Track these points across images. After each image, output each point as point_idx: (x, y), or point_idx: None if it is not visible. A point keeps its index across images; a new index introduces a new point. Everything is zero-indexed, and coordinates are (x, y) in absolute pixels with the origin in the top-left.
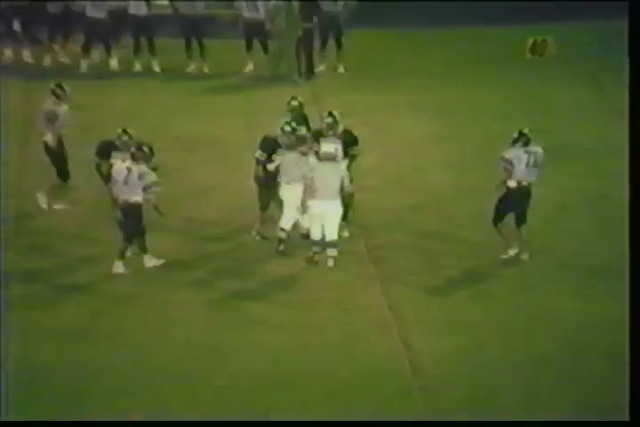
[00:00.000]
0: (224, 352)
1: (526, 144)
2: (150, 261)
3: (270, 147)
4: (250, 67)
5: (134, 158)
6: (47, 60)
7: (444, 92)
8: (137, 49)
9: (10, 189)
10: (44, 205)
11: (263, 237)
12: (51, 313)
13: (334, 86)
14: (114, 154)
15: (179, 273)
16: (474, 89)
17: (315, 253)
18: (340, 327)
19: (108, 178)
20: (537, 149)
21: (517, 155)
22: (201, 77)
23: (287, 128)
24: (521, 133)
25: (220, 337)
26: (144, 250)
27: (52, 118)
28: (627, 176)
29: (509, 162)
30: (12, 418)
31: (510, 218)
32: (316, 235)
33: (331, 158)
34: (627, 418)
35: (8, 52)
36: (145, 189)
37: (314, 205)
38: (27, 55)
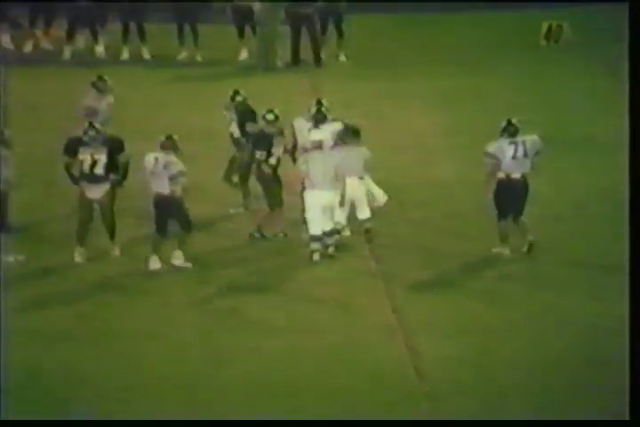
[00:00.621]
0: (219, 356)
1: (512, 135)
2: (178, 260)
3: (266, 143)
4: (244, 54)
5: (162, 148)
6: (28, 47)
7: (451, 81)
8: (125, 35)
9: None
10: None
11: (263, 236)
12: (38, 316)
13: (335, 75)
14: (81, 150)
15: (171, 274)
16: (483, 78)
17: (314, 250)
18: (340, 330)
19: (75, 176)
20: (525, 138)
21: (500, 147)
22: (193, 65)
23: (270, 116)
24: (509, 123)
25: (214, 340)
26: (182, 245)
27: (91, 114)
28: (627, 172)
29: (493, 156)
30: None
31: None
32: (315, 229)
33: (318, 147)
34: (627, 418)
35: None
36: (171, 179)
37: (311, 195)
38: (6, 41)
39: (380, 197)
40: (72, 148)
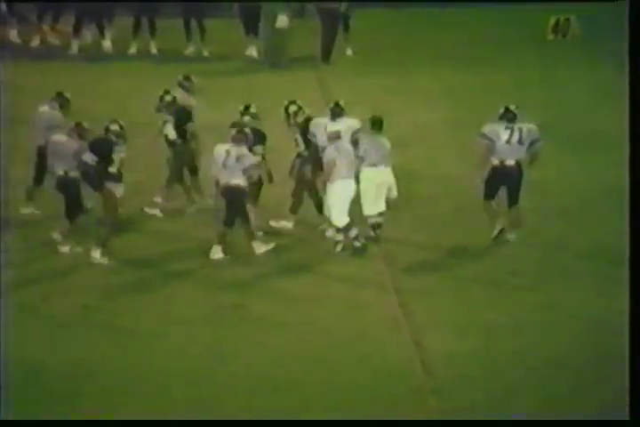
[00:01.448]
0: (225, 351)
1: (510, 121)
2: (260, 248)
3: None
4: (252, 49)
5: (234, 140)
6: (36, 41)
7: (458, 76)
8: (137, 29)
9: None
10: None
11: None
12: (44, 310)
13: (341, 70)
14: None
15: (176, 268)
16: (490, 72)
17: (337, 242)
18: (347, 325)
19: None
20: (523, 125)
21: (495, 130)
22: (200, 60)
23: (293, 108)
24: (507, 109)
25: (220, 335)
26: (250, 236)
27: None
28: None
29: (487, 137)
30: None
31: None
32: (341, 220)
33: (337, 137)
34: (627, 418)
35: None
36: (244, 171)
37: (339, 185)
38: (14, 35)
39: (395, 189)
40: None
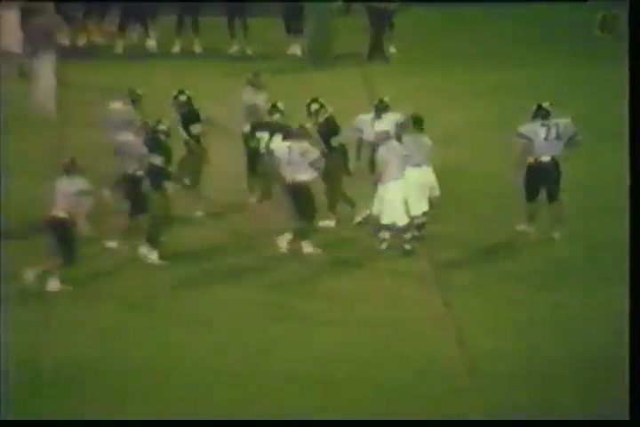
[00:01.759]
0: (268, 349)
1: (545, 118)
2: (309, 248)
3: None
4: (295, 48)
5: (293, 136)
6: (82, 40)
7: (502, 74)
8: (180, 28)
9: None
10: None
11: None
12: (87, 308)
13: (384, 68)
14: None
15: (220, 267)
16: (535, 70)
17: (384, 239)
18: (390, 324)
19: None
20: (559, 121)
21: (532, 129)
22: (243, 59)
23: (314, 106)
24: (539, 107)
25: (264, 333)
26: (304, 235)
27: (253, 110)
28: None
29: (524, 136)
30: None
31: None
32: (389, 219)
33: (385, 138)
34: (627, 418)
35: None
36: (311, 165)
37: (391, 186)
38: (61, 35)
39: (437, 188)
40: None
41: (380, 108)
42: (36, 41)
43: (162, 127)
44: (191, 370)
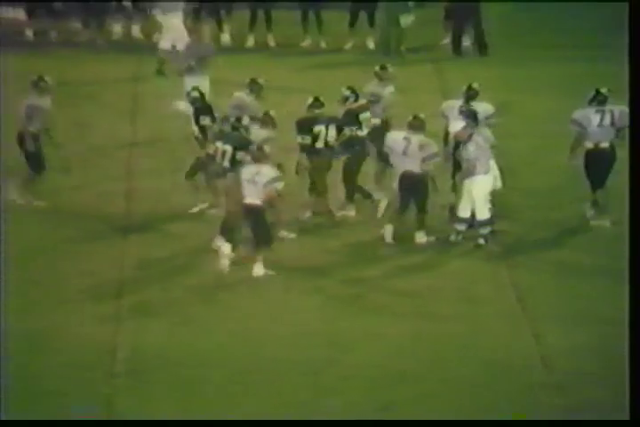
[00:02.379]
0: (342, 342)
1: (601, 103)
2: (422, 238)
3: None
4: (369, 41)
5: (412, 128)
6: (157, 36)
7: (569, 65)
8: (253, 22)
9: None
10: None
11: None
12: (162, 299)
13: (457, 61)
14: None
15: (295, 261)
16: (605, 61)
17: (459, 232)
18: (463, 318)
19: None
20: (614, 108)
21: (586, 115)
22: (317, 52)
23: (346, 92)
24: (597, 92)
25: (337, 326)
26: (421, 226)
27: (374, 101)
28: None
29: (577, 123)
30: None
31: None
32: (465, 212)
33: (465, 139)
34: (627, 418)
35: (117, 28)
36: (425, 159)
37: (479, 180)
38: (136, 31)
39: (499, 180)
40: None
41: (470, 96)
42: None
43: (241, 122)
44: (263, 362)
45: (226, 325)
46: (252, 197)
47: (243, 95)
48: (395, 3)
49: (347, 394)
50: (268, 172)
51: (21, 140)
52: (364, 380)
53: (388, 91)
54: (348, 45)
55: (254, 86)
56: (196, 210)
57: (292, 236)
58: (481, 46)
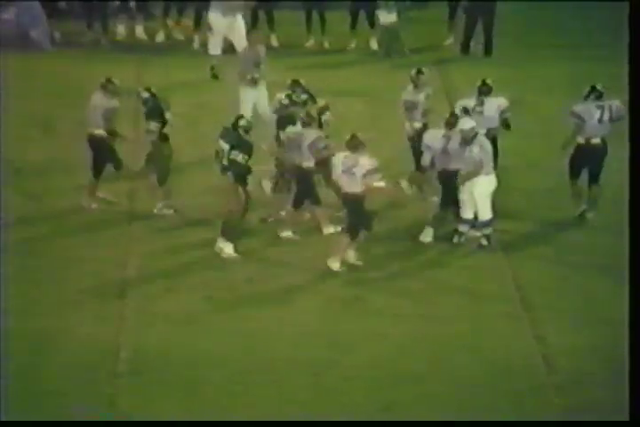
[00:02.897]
0: (344, 343)
1: (598, 98)
2: (476, 234)
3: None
4: (372, 42)
5: (449, 125)
6: (160, 37)
7: (582, 64)
8: (255, 22)
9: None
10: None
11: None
12: (162, 299)
13: (463, 61)
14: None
15: (297, 262)
16: (607, 60)
17: (461, 233)
18: (467, 318)
19: None
20: (612, 102)
21: (588, 109)
22: (320, 53)
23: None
24: (593, 88)
25: (339, 327)
26: (459, 220)
27: (410, 107)
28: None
29: (579, 116)
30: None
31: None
32: (468, 213)
33: (470, 138)
34: (627, 418)
35: (121, 29)
36: (469, 158)
37: (485, 181)
38: (140, 32)
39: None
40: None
41: (483, 91)
42: None
43: (242, 123)
44: (265, 363)
45: (228, 325)
46: (351, 187)
47: (282, 95)
48: (375, 2)
49: (348, 394)
50: (365, 163)
51: (96, 142)
52: (366, 380)
53: (423, 96)
54: (352, 46)
55: (299, 87)
56: (155, 211)
57: (297, 238)
58: (487, 47)
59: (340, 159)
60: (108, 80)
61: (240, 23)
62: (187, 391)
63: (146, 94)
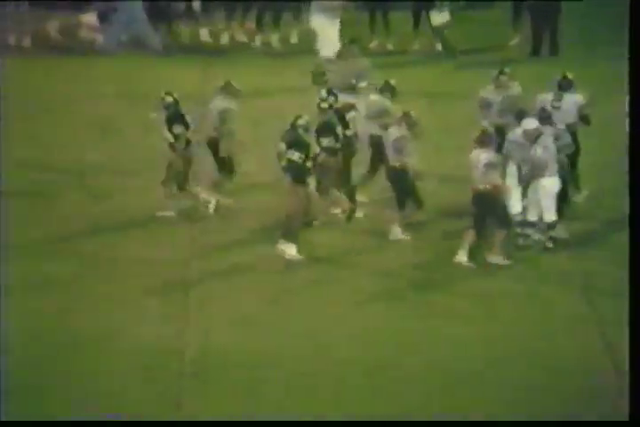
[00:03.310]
0: (405, 343)
1: (563, 89)
2: (541, 236)
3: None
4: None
5: (542, 121)
6: (224, 39)
7: (606, 64)
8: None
9: None
10: None
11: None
12: (225, 300)
13: (529, 59)
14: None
15: (360, 261)
16: None
17: (524, 235)
18: (529, 322)
19: None
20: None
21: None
22: (384, 54)
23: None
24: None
25: (400, 328)
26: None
27: (486, 106)
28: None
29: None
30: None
31: None
32: (551, 217)
33: (538, 135)
34: (627, 418)
35: (186, 32)
36: (559, 150)
37: (548, 182)
38: (204, 34)
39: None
40: None
41: (563, 86)
42: None
43: (301, 122)
44: (330, 363)
45: (290, 326)
46: (478, 183)
47: (380, 98)
48: (423, 2)
49: (407, 395)
50: (485, 157)
51: (215, 145)
52: (425, 382)
53: (502, 95)
54: (415, 46)
55: (388, 88)
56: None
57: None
58: (553, 46)
59: (477, 156)
60: (228, 82)
61: (335, 27)
62: (249, 392)
63: (170, 99)
